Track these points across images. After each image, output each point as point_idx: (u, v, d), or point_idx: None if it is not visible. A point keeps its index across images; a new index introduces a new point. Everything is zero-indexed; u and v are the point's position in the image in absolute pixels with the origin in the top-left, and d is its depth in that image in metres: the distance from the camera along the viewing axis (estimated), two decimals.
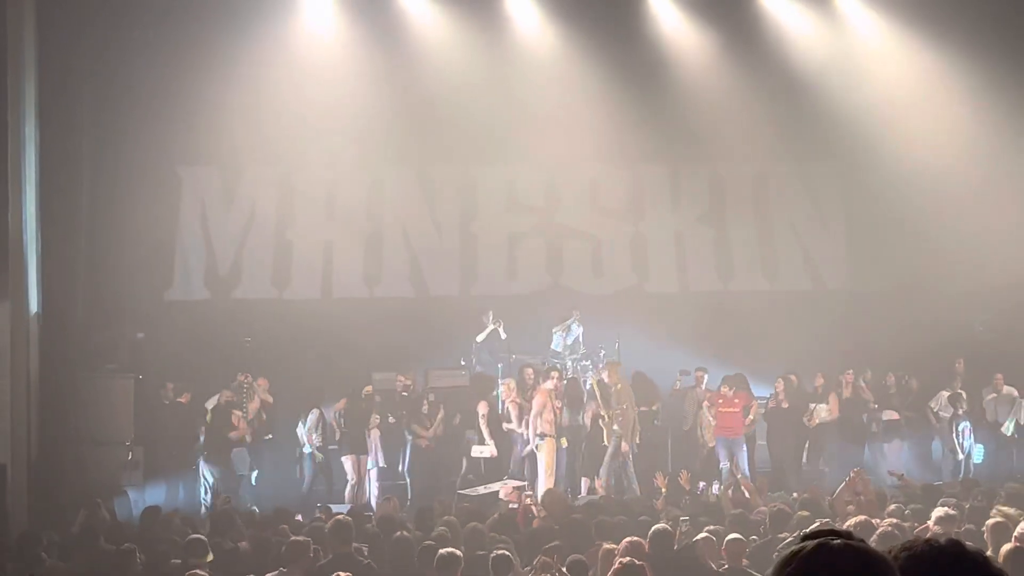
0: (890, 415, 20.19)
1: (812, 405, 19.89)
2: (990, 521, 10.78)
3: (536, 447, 18.31)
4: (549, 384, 18.64)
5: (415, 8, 21.32)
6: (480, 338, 20.87)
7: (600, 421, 18.62)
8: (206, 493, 18.21)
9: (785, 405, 19.78)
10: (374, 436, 19.00)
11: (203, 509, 17.52)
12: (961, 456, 19.36)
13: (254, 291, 21.85)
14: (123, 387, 19.12)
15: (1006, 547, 8.73)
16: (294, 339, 20.56)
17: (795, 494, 15.71)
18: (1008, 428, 19.68)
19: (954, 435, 19.56)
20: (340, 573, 9.45)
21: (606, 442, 18.50)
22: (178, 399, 19.21)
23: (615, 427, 18.46)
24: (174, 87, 20.19)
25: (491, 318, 20.82)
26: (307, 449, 19.21)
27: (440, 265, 22.48)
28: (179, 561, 10.77)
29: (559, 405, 18.64)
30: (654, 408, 20.16)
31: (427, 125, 21.47)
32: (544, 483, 17.63)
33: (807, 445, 20.11)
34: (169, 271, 21.61)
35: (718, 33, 21.87)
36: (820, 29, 21.99)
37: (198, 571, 9.91)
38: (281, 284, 22.03)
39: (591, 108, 21.42)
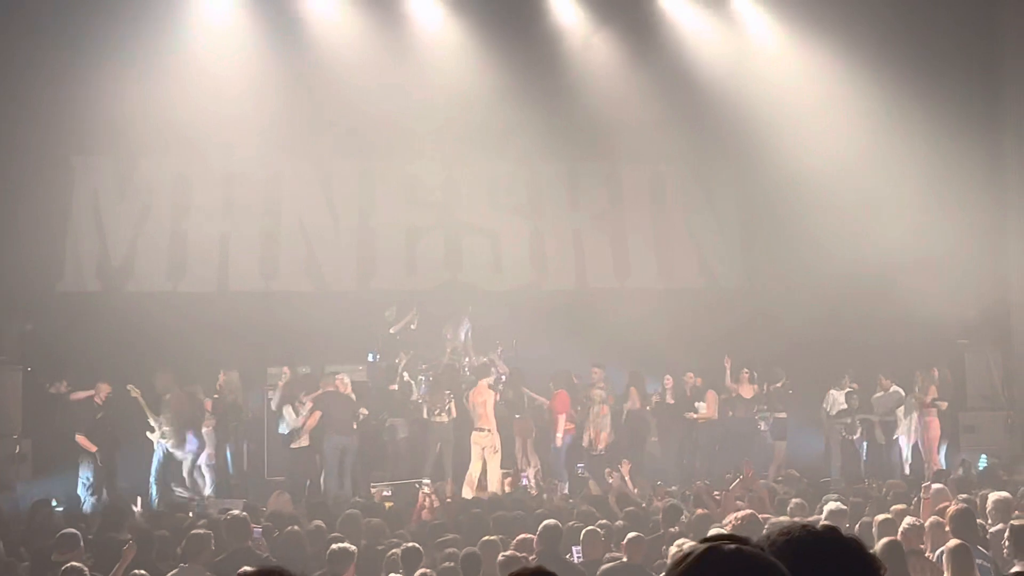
0: (779, 413, 20.49)
1: (697, 403, 20.26)
2: (879, 517, 11.01)
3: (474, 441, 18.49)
4: (488, 380, 18.78)
5: (314, 1, 21.24)
6: (394, 330, 20.72)
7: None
8: (87, 488, 17.87)
9: (671, 402, 20.28)
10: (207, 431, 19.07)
11: (87, 504, 17.27)
12: (863, 456, 19.91)
13: (148, 283, 21.53)
14: (11, 379, 18.78)
15: (883, 540, 8.92)
16: (189, 333, 20.21)
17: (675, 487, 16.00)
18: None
19: (845, 433, 20.03)
20: (246, 568, 9.31)
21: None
22: (57, 389, 18.85)
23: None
24: (68, 75, 19.81)
25: (395, 312, 20.72)
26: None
27: (338, 259, 22.34)
28: (58, 555, 10.56)
29: (498, 399, 18.94)
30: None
31: (326, 119, 21.40)
32: (474, 475, 17.87)
33: (691, 443, 20.47)
34: (60, 262, 21.23)
35: (617, 33, 22.11)
36: (717, 31, 22.33)
37: (75, 563, 9.74)
38: (176, 277, 21.73)
39: (490, 104, 21.40)
